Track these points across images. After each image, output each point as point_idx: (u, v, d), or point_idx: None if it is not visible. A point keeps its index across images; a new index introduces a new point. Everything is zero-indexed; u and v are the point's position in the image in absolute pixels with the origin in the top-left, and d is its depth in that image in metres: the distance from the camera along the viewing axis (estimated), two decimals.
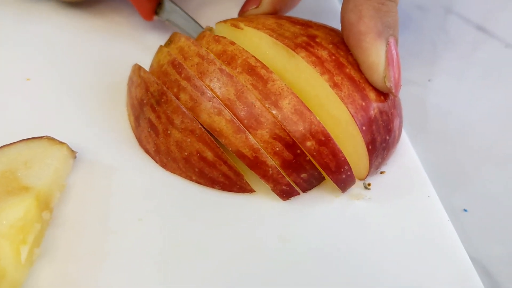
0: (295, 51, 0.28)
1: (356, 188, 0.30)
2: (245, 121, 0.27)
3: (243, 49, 0.28)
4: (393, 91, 0.28)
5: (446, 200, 0.31)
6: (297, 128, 0.27)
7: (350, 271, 0.26)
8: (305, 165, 0.28)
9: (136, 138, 0.32)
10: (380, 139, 0.29)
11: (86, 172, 0.30)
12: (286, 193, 0.28)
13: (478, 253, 0.29)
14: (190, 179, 0.30)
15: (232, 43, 0.29)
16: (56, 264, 0.25)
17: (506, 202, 0.31)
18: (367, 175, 0.30)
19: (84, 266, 0.26)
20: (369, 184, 0.31)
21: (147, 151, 0.31)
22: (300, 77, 0.29)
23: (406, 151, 0.33)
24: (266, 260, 0.27)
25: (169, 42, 0.32)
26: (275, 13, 0.34)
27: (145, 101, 0.30)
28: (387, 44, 0.28)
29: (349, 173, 0.28)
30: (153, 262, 0.26)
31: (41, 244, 0.26)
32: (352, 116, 0.27)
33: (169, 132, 0.29)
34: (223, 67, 0.28)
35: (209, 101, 0.27)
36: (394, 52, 0.28)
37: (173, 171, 0.30)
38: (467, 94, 0.39)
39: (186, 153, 0.28)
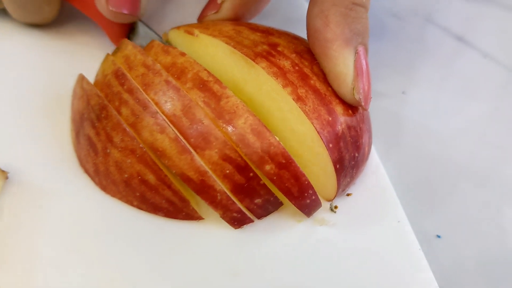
0: (254, 61, 0.26)
1: (321, 211, 0.28)
2: (192, 140, 0.24)
3: (194, 61, 0.26)
4: (363, 104, 0.26)
5: (418, 224, 0.28)
6: (255, 150, 0.24)
7: None
8: (259, 190, 0.25)
9: (77, 157, 0.29)
10: (348, 157, 0.26)
11: (17, 195, 0.27)
12: (237, 221, 0.25)
13: (450, 284, 0.26)
14: (131, 204, 0.27)
15: (183, 54, 0.26)
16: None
17: (482, 227, 0.29)
18: (335, 196, 0.27)
19: None
20: (335, 207, 0.28)
21: (86, 171, 0.28)
22: (261, 90, 0.26)
23: (375, 170, 0.30)
24: None
25: (117, 50, 0.29)
26: (236, 19, 0.32)
27: (85, 116, 0.27)
28: (356, 53, 0.25)
29: (313, 197, 0.25)
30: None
31: None
32: (318, 132, 0.25)
33: (108, 151, 0.26)
34: (170, 78, 0.25)
35: (152, 116, 0.24)
36: (363, 61, 0.25)
37: (113, 194, 0.27)
38: (443, 107, 0.37)
39: (126, 175, 0.25)
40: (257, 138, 0.24)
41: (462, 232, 0.29)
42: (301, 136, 0.26)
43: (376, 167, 0.30)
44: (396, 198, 0.29)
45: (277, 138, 0.24)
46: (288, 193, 0.25)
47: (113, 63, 0.27)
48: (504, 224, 0.29)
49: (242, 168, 0.24)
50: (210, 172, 0.24)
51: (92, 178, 0.28)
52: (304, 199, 0.25)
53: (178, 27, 0.30)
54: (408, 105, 0.37)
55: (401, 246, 0.26)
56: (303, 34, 0.29)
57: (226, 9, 0.31)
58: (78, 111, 0.28)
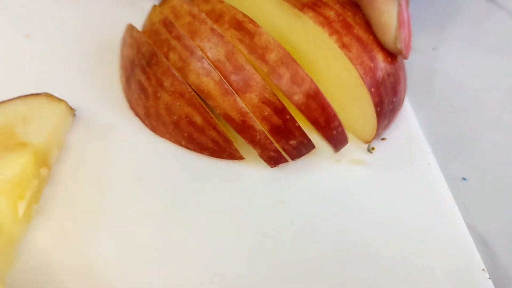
0: (301, 11, 0.28)
1: (358, 152, 0.30)
2: (234, 83, 0.26)
3: (231, 6, 0.28)
4: (403, 52, 0.27)
5: (445, 168, 0.30)
6: (284, 81, 0.26)
7: (347, 236, 0.27)
8: (294, 132, 0.27)
9: (127, 100, 0.31)
10: (387, 101, 0.28)
11: (85, 130, 0.30)
12: (273, 160, 0.28)
13: (475, 222, 0.29)
14: (180, 144, 0.29)
15: (221, 1, 0.28)
16: (54, 221, 0.25)
17: (506, 172, 0.31)
18: (373, 138, 0.30)
19: (81, 223, 0.26)
20: (373, 148, 0.31)
21: (137, 114, 0.31)
22: (307, 39, 0.28)
23: (407, 117, 0.33)
24: (262, 220, 0.27)
25: (163, 2, 0.31)
26: None
27: (136, 62, 0.29)
28: (399, 5, 0.27)
29: (340, 129, 0.27)
30: (150, 221, 0.26)
31: (39, 201, 0.26)
32: (361, 77, 0.27)
33: (159, 94, 0.28)
34: (214, 26, 0.27)
35: (198, 61, 0.26)
36: (405, 13, 0.27)
37: (162, 135, 0.30)
38: (472, 63, 0.38)
39: (175, 117, 0.28)
40: (287, 70, 0.26)
41: (486, 176, 0.31)
42: (345, 81, 0.28)
43: (408, 115, 0.33)
44: (426, 143, 0.31)
45: (306, 71, 0.26)
46: (315, 123, 0.27)
47: (160, 12, 0.29)
48: None
49: (280, 110, 0.26)
50: (251, 114, 0.26)
51: (143, 120, 0.30)
52: (331, 129, 0.27)
53: None
54: (439, 60, 0.38)
55: (430, 186, 0.29)
56: None
57: None
58: (128, 58, 0.30)
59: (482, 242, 0.28)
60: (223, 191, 0.28)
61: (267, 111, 0.26)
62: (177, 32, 0.27)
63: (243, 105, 0.26)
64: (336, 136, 0.28)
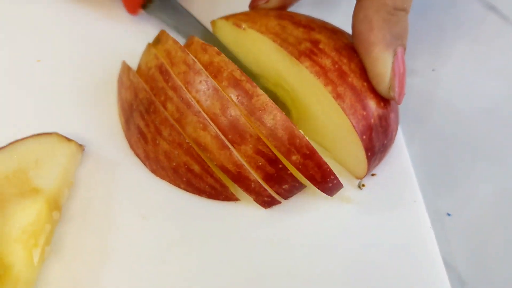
0: (299, 60, 0.29)
1: (349, 188, 0.32)
2: (230, 136, 0.28)
3: (229, 61, 0.29)
4: (396, 100, 0.29)
5: (432, 203, 0.32)
6: (282, 143, 0.28)
7: (334, 268, 0.29)
8: (286, 178, 0.29)
9: (127, 140, 0.33)
10: (378, 145, 0.30)
11: (91, 166, 0.32)
12: (267, 203, 0.30)
13: (453, 258, 0.31)
14: (179, 186, 0.31)
15: (219, 53, 0.29)
16: (64, 261, 0.28)
17: (490, 209, 0.33)
18: (364, 177, 0.32)
19: (90, 262, 0.28)
20: (363, 185, 0.32)
21: (137, 155, 0.32)
22: (303, 84, 0.30)
23: (399, 151, 0.34)
24: (257, 259, 0.29)
25: (157, 41, 0.32)
26: (283, 7, 0.34)
27: (134, 107, 0.31)
28: (395, 54, 0.28)
29: (335, 181, 0.29)
30: (153, 259, 0.29)
31: (51, 242, 0.29)
32: (354, 126, 0.28)
33: (157, 142, 0.30)
34: (209, 79, 0.28)
35: (195, 115, 0.28)
36: (400, 63, 0.28)
37: (162, 178, 0.31)
38: (471, 86, 0.39)
39: (174, 164, 0.30)
40: (285, 132, 0.27)
41: (470, 212, 0.33)
42: (338, 127, 0.29)
43: (400, 148, 0.34)
44: (414, 180, 0.33)
45: (302, 132, 0.28)
46: (312, 179, 0.29)
47: (156, 57, 0.30)
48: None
49: (273, 160, 0.28)
50: (246, 165, 0.28)
51: (143, 162, 0.32)
52: (326, 183, 0.29)
53: (226, 18, 0.33)
54: (437, 82, 0.39)
55: (414, 223, 0.31)
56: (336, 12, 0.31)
57: (276, 0, 0.33)
58: (126, 101, 0.32)
59: (458, 278, 0.30)
60: (221, 230, 0.30)
61: (261, 161, 0.28)
62: (173, 83, 0.29)
63: (239, 157, 0.28)
64: (331, 187, 0.30)
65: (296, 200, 0.31)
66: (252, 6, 0.34)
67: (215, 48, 0.29)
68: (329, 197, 0.31)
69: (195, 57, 0.30)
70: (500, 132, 0.36)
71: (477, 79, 0.39)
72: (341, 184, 0.30)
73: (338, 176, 0.29)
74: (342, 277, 0.29)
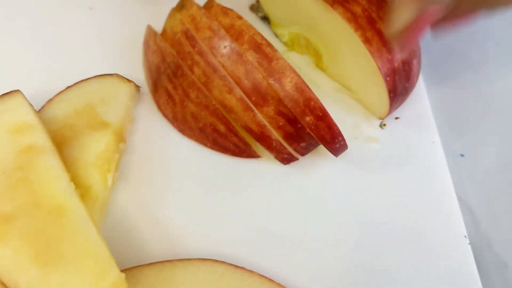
0: (332, 7, 0.32)
1: (372, 129, 0.36)
2: (253, 98, 0.30)
3: (249, 25, 0.31)
4: (398, 49, 0.32)
5: (447, 145, 0.36)
6: (297, 104, 0.30)
7: (360, 206, 0.34)
8: (304, 136, 0.31)
9: (154, 102, 0.36)
10: (400, 87, 0.33)
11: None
12: (287, 160, 0.33)
13: (466, 194, 0.35)
14: (205, 145, 0.34)
15: (239, 17, 0.31)
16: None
17: (500, 151, 0.37)
18: (386, 116, 0.35)
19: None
20: (384, 125, 0.36)
21: (165, 116, 0.35)
22: (335, 29, 0.33)
23: (420, 96, 0.38)
24: (276, 210, 0.33)
25: (181, 7, 0.34)
26: None
27: (162, 70, 0.33)
28: (421, 11, 0.29)
29: (342, 142, 0.32)
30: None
31: (119, 169, 0.33)
32: (379, 68, 0.32)
33: (185, 104, 0.32)
34: (234, 45, 0.30)
35: (221, 79, 0.30)
36: (419, 22, 0.29)
37: (189, 137, 0.34)
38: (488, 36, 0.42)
39: (201, 124, 0.32)
40: (300, 95, 0.30)
41: (482, 153, 0.37)
42: (365, 68, 0.33)
43: (421, 94, 0.38)
44: (433, 123, 0.37)
45: (316, 95, 0.30)
46: (322, 139, 0.31)
47: (181, 22, 0.32)
48: None
49: (292, 120, 0.30)
50: (268, 125, 0.30)
51: (171, 122, 0.35)
52: (334, 144, 0.32)
53: None
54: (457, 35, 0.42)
55: (432, 163, 0.35)
56: None
57: None
58: (154, 64, 0.34)
59: (469, 211, 0.35)
60: (242, 185, 0.34)
61: (282, 121, 0.31)
62: (199, 48, 0.31)
63: (262, 118, 0.30)
64: (338, 148, 0.32)
65: (311, 157, 0.35)
66: None
67: (236, 12, 0.31)
68: (356, 137, 0.36)
69: (216, 19, 0.31)
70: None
71: (496, 29, 0.42)
72: (347, 146, 0.33)
73: (363, 119, 0.32)
74: (365, 207, 0.34)
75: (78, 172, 0.31)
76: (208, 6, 0.33)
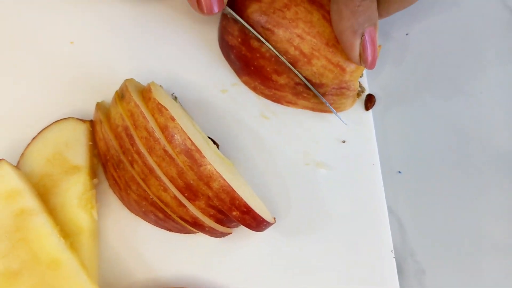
0: None
1: (321, 156, 0.41)
2: (186, 194, 0.34)
3: (181, 128, 0.33)
4: (368, 67, 0.37)
5: (386, 163, 0.42)
6: (224, 203, 0.34)
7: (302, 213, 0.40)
8: (233, 220, 0.35)
9: (106, 177, 0.38)
10: None
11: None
12: (219, 235, 0.37)
13: (397, 207, 0.41)
14: (150, 222, 0.38)
15: (173, 118, 0.33)
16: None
17: (434, 167, 0.42)
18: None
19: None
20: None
21: (114, 192, 0.38)
22: None
23: (367, 122, 0.42)
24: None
25: (122, 96, 0.36)
26: None
27: (108, 157, 0.36)
28: (362, 36, 0.35)
29: (267, 224, 0.36)
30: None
31: (97, 200, 0.38)
32: None
33: (128, 192, 0.35)
34: (167, 148, 0.33)
35: (157, 179, 0.33)
36: (368, 41, 0.35)
37: (136, 214, 0.38)
38: (442, 46, 0.45)
39: (143, 209, 0.36)
40: (226, 195, 0.33)
41: (418, 169, 0.42)
42: None
43: (367, 121, 0.42)
44: (375, 146, 0.41)
45: (241, 195, 0.33)
46: (249, 227, 0.35)
47: (121, 117, 0.34)
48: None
49: (221, 211, 0.35)
50: (200, 217, 0.34)
51: (120, 199, 0.38)
52: (260, 228, 0.36)
53: None
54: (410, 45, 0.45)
55: (370, 182, 0.41)
56: None
57: None
58: (101, 149, 0.36)
59: (398, 223, 0.41)
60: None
61: (213, 211, 0.35)
62: (137, 148, 0.33)
63: (194, 211, 0.34)
64: (263, 228, 0.36)
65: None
66: None
67: (170, 112, 0.33)
68: (308, 164, 0.41)
69: (153, 116, 0.34)
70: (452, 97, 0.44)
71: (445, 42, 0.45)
72: (270, 224, 0.36)
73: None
74: (310, 216, 0.40)
75: (68, 216, 0.35)
76: (146, 97, 0.35)
